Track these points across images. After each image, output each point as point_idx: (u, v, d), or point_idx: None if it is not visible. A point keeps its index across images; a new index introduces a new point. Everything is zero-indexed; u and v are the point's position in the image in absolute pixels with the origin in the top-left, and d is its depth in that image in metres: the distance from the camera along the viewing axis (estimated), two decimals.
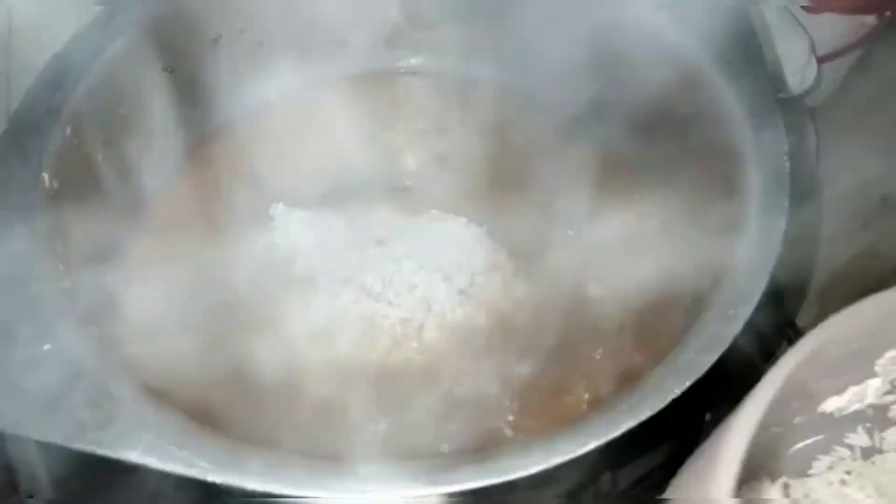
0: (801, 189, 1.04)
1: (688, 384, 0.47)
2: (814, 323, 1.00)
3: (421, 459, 0.47)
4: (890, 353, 0.67)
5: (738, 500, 0.53)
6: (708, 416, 0.77)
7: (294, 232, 0.70)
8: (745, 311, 0.50)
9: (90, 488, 0.71)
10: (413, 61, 0.84)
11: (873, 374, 0.67)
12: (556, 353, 0.65)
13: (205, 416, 0.57)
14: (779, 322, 0.95)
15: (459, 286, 0.68)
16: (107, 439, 0.46)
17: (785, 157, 0.57)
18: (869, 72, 1.25)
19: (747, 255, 0.53)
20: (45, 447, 0.69)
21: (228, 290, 0.67)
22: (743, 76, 0.62)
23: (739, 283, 0.52)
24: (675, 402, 0.49)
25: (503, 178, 0.75)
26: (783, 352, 0.95)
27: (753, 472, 0.61)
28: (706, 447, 0.56)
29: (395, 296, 0.67)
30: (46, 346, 0.50)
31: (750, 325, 0.95)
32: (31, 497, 0.72)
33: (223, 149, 0.78)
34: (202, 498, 0.67)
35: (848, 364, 0.64)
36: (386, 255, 0.68)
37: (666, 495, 0.64)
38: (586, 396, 0.63)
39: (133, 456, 0.46)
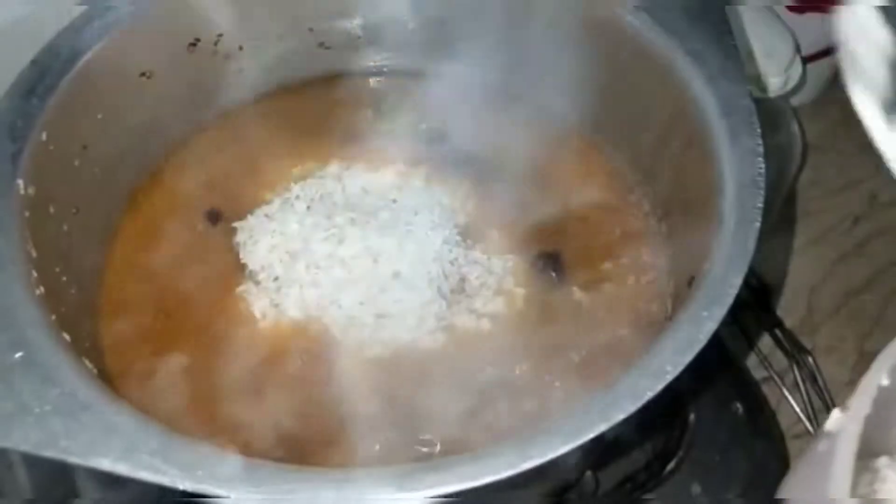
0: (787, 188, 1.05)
1: (660, 387, 0.47)
2: (802, 322, 1.01)
3: (394, 464, 0.47)
4: None
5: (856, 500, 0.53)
6: (692, 417, 0.77)
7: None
8: (719, 313, 0.50)
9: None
10: (391, 61, 0.85)
11: None
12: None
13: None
14: (761, 320, 0.96)
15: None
16: (77, 448, 0.46)
17: (760, 159, 0.57)
18: None
19: (722, 257, 0.53)
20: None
21: (207, 289, 0.68)
22: (720, 77, 0.62)
23: (714, 285, 0.52)
24: (655, 402, 0.49)
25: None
26: (771, 352, 0.96)
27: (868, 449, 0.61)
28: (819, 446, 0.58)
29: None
30: (18, 355, 0.50)
31: (737, 326, 0.96)
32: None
33: (201, 152, 0.78)
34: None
35: None
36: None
37: (780, 495, 0.64)
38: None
39: (104, 464, 0.46)
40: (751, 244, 0.53)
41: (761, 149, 0.58)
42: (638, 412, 0.48)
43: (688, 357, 0.49)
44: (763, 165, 0.57)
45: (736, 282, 0.52)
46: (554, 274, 0.71)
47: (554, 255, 0.72)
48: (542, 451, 0.45)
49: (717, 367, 0.79)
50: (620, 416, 0.46)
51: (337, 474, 0.46)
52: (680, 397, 0.76)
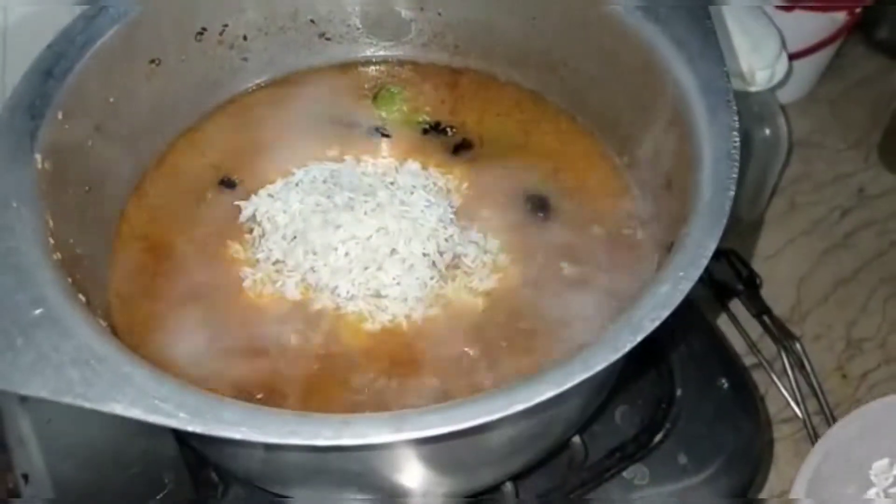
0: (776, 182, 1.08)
1: (639, 338, 0.50)
2: (791, 310, 1.04)
3: (387, 411, 0.50)
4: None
5: None
6: (679, 392, 0.80)
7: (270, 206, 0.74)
8: (695, 273, 0.53)
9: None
10: (396, 51, 0.88)
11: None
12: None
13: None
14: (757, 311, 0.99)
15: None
16: (92, 394, 0.49)
17: (735, 133, 0.60)
18: (842, 66, 1.28)
19: (698, 223, 0.56)
20: (39, 426, 0.73)
21: (211, 263, 0.71)
22: (699, 59, 0.65)
23: (691, 248, 0.55)
24: (638, 361, 0.51)
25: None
26: (760, 339, 0.99)
27: None
28: None
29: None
30: (38, 311, 0.53)
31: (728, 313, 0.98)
32: (26, 475, 0.74)
33: (207, 137, 0.81)
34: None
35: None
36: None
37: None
38: None
39: (118, 409, 0.49)
40: (725, 210, 0.56)
41: (737, 124, 0.60)
42: (621, 363, 0.51)
43: (665, 312, 0.51)
44: (738, 139, 0.60)
45: (711, 245, 0.54)
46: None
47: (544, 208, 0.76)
48: (529, 395, 0.48)
49: (694, 329, 0.82)
50: (602, 365, 0.49)
51: (336, 418, 0.49)
52: (662, 356, 0.79)
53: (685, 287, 0.52)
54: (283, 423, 0.48)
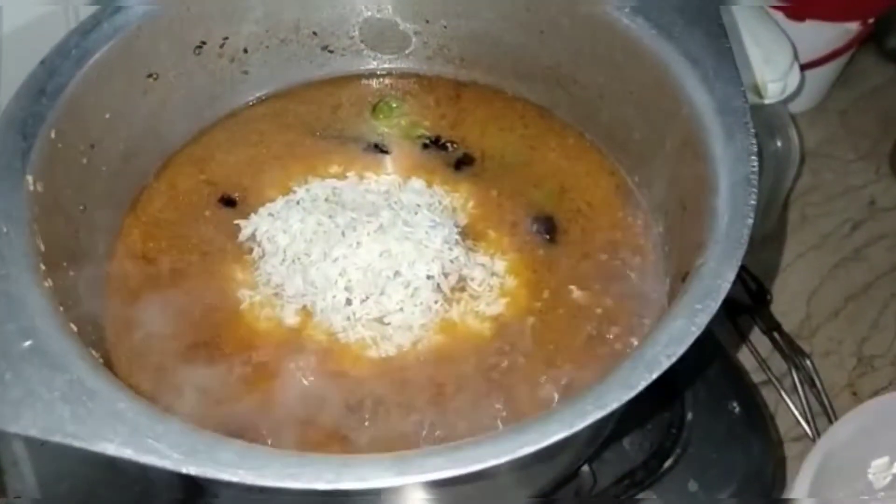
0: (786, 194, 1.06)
1: (654, 376, 0.48)
2: (801, 326, 1.02)
3: (390, 452, 0.48)
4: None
5: None
6: (690, 416, 0.78)
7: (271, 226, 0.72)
8: (713, 306, 0.51)
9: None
10: (399, 63, 0.86)
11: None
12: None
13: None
14: (766, 326, 0.97)
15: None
16: (83, 433, 0.47)
17: (753, 157, 0.58)
18: (853, 76, 1.26)
19: (715, 252, 0.54)
20: (32, 448, 0.72)
21: (208, 285, 0.69)
22: (714, 78, 0.63)
23: (707, 279, 0.53)
24: (651, 396, 0.49)
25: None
26: (769, 355, 0.97)
27: None
28: None
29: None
30: (28, 343, 0.51)
31: (736, 330, 0.96)
32: (19, 498, 0.73)
33: (206, 153, 0.79)
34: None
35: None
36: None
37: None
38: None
39: (110, 448, 0.47)
40: (743, 239, 0.54)
41: (755, 147, 0.58)
42: (633, 401, 0.49)
43: (681, 348, 0.49)
44: (756, 164, 0.58)
45: (729, 276, 0.52)
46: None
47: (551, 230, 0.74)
48: (538, 437, 0.46)
49: (712, 362, 0.80)
50: (615, 405, 0.47)
51: (336, 459, 0.47)
52: (676, 391, 0.77)
53: (702, 321, 0.50)
54: (281, 466, 0.46)
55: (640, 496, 0.74)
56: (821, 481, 0.72)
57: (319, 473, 0.46)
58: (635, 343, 0.65)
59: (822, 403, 0.95)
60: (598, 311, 0.68)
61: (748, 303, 1.02)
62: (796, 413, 0.96)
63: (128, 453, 0.46)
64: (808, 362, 0.97)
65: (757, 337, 1.01)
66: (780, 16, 1.06)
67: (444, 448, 0.47)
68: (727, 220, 0.56)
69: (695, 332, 0.50)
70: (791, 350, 0.98)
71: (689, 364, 0.53)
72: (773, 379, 0.99)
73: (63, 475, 0.74)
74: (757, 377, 0.98)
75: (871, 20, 1.11)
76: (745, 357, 0.99)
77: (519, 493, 0.65)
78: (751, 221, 0.55)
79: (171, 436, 0.47)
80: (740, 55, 0.89)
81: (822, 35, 1.11)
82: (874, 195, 1.18)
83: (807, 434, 0.95)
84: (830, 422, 0.94)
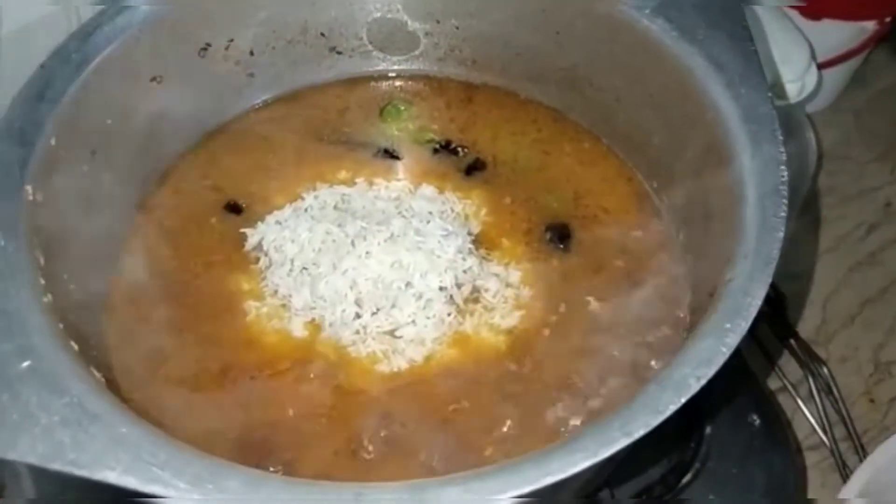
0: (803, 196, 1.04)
1: (684, 400, 0.46)
2: (817, 332, 1.00)
3: (406, 480, 0.45)
4: None
5: None
6: (709, 429, 0.76)
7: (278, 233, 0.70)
8: (743, 325, 0.49)
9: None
10: (409, 65, 0.84)
11: None
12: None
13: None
14: (781, 332, 0.95)
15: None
16: (84, 460, 0.45)
17: (782, 167, 0.56)
18: (867, 76, 1.24)
19: (745, 267, 0.52)
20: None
21: (214, 297, 0.67)
22: (739, 83, 0.61)
23: (737, 296, 0.51)
24: (671, 416, 0.47)
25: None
26: (785, 362, 0.95)
27: None
28: None
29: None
30: (26, 364, 0.49)
31: (751, 335, 0.94)
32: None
33: (211, 158, 0.77)
34: None
35: None
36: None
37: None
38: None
39: (111, 477, 0.45)
40: (774, 255, 0.52)
41: (784, 156, 0.56)
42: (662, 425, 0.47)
43: (711, 370, 0.47)
44: (786, 174, 0.55)
45: (759, 293, 0.51)
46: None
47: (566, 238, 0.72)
48: (562, 466, 0.44)
49: (735, 379, 0.77)
50: (642, 431, 0.45)
51: (349, 489, 0.45)
52: (699, 410, 0.75)
53: (732, 341, 0.48)
54: (290, 496, 0.44)
55: None
56: (880, 485, 0.69)
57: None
58: (656, 359, 0.63)
59: (838, 411, 0.93)
60: (617, 322, 0.66)
61: (764, 309, 1.00)
62: (813, 421, 0.94)
63: (130, 482, 0.45)
64: (824, 369, 0.95)
65: (772, 343, 0.99)
66: (795, 14, 1.04)
67: (462, 477, 0.45)
68: (756, 234, 0.54)
69: (725, 352, 0.48)
70: (807, 357, 0.96)
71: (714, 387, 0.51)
72: (789, 386, 0.97)
73: (65, 486, 0.72)
74: (772, 384, 0.96)
75: (887, 19, 1.10)
76: (760, 364, 0.97)
77: None
78: (781, 235, 0.53)
79: (175, 462, 0.45)
80: (767, 61, 0.87)
81: (837, 34, 1.09)
82: (889, 197, 1.16)
83: (823, 443, 0.93)
84: (847, 430, 0.92)
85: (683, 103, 0.65)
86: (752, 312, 0.50)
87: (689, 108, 0.64)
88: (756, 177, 0.56)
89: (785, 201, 0.54)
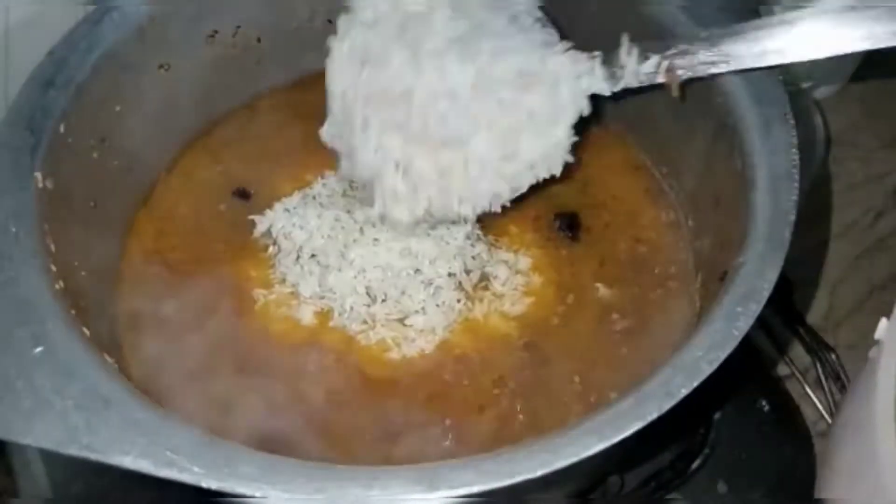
0: (810, 182, 1.04)
1: (696, 383, 0.46)
2: (825, 318, 0.99)
3: (422, 463, 0.45)
4: None
5: None
6: (717, 415, 0.76)
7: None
8: (754, 308, 0.49)
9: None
10: None
11: None
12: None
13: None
14: (788, 319, 0.94)
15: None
16: (99, 444, 0.46)
17: (794, 151, 0.55)
18: (875, 61, 1.23)
19: (756, 251, 0.52)
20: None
21: (223, 283, 0.67)
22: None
23: (748, 279, 0.51)
24: (682, 401, 0.47)
25: None
26: (793, 348, 0.95)
27: None
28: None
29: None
30: (39, 349, 0.50)
31: (759, 322, 0.94)
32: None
33: (219, 145, 0.77)
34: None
35: None
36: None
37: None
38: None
39: (126, 461, 0.45)
40: (785, 238, 0.52)
41: (795, 140, 0.56)
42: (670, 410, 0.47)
43: (723, 353, 0.47)
44: (797, 157, 0.55)
45: (771, 277, 0.50)
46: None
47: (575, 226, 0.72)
48: (576, 450, 0.44)
49: (744, 364, 0.77)
50: (655, 415, 0.45)
51: (364, 473, 0.45)
52: (708, 395, 0.75)
53: (744, 325, 0.48)
54: (306, 480, 0.44)
55: (668, 497, 0.72)
56: None
57: (346, 488, 0.44)
58: (666, 344, 0.62)
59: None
60: (627, 309, 0.66)
61: (772, 295, 1.00)
62: (821, 408, 0.94)
63: (145, 466, 0.45)
64: (832, 356, 0.95)
65: (779, 330, 0.99)
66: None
67: (474, 461, 0.45)
68: (768, 217, 0.53)
69: (736, 336, 0.48)
70: (815, 343, 0.96)
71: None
72: (797, 373, 0.96)
73: (76, 476, 0.72)
74: (780, 371, 0.96)
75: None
76: (768, 351, 0.97)
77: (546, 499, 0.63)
78: (793, 219, 0.53)
79: (190, 447, 0.46)
80: None
81: None
82: None
83: None
84: None
85: (692, 87, 0.65)
86: (764, 296, 0.50)
87: (696, 90, 0.64)
88: (766, 160, 0.56)
89: (796, 185, 0.54)
